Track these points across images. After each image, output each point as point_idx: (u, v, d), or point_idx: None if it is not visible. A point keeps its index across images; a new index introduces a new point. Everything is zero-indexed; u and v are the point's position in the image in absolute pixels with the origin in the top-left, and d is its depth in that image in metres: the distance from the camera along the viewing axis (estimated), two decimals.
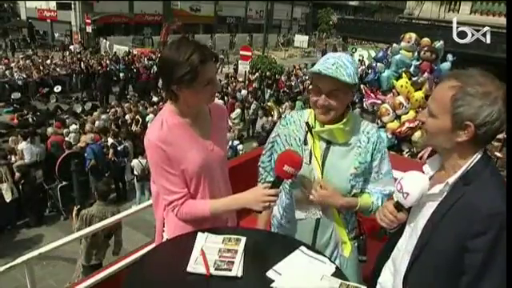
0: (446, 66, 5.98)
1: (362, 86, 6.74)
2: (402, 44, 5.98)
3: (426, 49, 5.78)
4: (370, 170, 1.60)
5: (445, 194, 1.22)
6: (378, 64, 6.10)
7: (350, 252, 1.67)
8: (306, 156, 1.57)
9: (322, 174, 1.57)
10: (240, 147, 9.17)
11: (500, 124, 1.13)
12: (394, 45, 6.10)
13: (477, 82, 1.14)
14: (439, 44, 5.94)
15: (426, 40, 5.97)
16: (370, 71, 6.56)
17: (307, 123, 1.61)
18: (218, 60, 1.64)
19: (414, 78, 5.74)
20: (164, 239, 1.69)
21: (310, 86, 1.64)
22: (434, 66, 5.86)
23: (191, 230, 1.60)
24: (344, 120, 1.54)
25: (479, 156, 1.20)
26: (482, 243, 1.10)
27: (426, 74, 5.72)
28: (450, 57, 6.16)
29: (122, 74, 16.24)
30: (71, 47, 22.88)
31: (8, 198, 6.50)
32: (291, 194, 1.64)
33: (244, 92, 13.80)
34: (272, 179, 1.55)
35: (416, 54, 5.92)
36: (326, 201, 1.55)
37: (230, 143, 9.04)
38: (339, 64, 1.46)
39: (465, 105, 1.13)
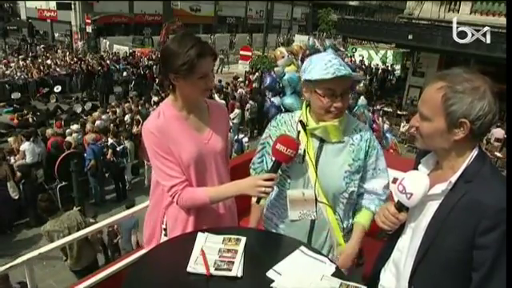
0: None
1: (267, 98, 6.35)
2: (279, 62, 5.70)
3: (306, 53, 5.41)
4: (365, 168, 1.60)
5: (446, 192, 1.22)
6: (274, 99, 5.74)
7: None
8: (299, 155, 1.57)
9: (316, 172, 1.56)
10: (245, 140, 9.29)
11: (493, 116, 1.15)
12: (276, 68, 5.81)
13: (463, 79, 1.16)
14: (311, 41, 5.70)
15: (296, 45, 5.76)
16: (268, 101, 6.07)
17: (301, 121, 1.60)
18: (217, 57, 1.70)
19: None
20: (162, 231, 1.70)
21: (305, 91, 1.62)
22: None
23: (192, 224, 1.62)
24: (340, 118, 1.54)
25: (476, 153, 1.21)
26: (491, 239, 1.11)
27: None
28: (327, 42, 5.87)
29: (125, 74, 16.26)
30: (59, 51, 22.70)
31: (16, 195, 6.68)
32: (285, 195, 1.63)
33: (242, 91, 13.83)
34: None
35: (299, 62, 5.44)
36: (349, 261, 1.60)
37: (236, 137, 9.12)
38: (340, 63, 1.48)
39: (456, 103, 1.15)
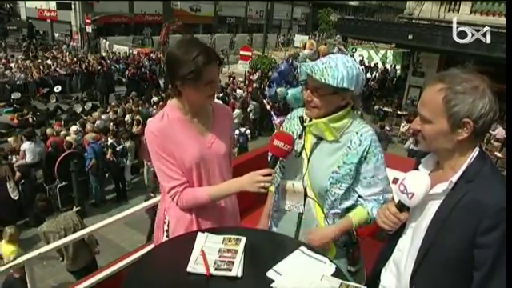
0: None
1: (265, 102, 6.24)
2: (306, 51, 5.71)
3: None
4: (361, 175, 1.56)
5: (447, 192, 1.22)
6: (279, 90, 5.66)
7: (334, 257, 1.61)
8: (298, 149, 1.62)
9: (307, 167, 1.59)
10: (248, 132, 9.86)
11: (493, 114, 1.16)
12: (301, 53, 5.80)
13: (462, 80, 1.17)
14: (336, 49, 5.79)
15: (323, 47, 5.84)
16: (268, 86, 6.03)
17: (301, 117, 1.65)
18: (222, 63, 1.71)
19: None
20: (164, 232, 1.70)
21: None
22: None
23: (194, 224, 1.63)
24: (330, 116, 1.52)
25: (477, 152, 1.22)
26: (492, 238, 1.11)
27: None
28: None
29: (126, 72, 16.28)
30: (54, 52, 22.52)
31: (16, 195, 6.69)
32: (280, 184, 1.69)
33: (241, 92, 13.87)
34: None
35: None
36: (321, 241, 1.55)
37: (238, 132, 9.51)
38: (329, 65, 1.47)
39: (459, 103, 1.15)
